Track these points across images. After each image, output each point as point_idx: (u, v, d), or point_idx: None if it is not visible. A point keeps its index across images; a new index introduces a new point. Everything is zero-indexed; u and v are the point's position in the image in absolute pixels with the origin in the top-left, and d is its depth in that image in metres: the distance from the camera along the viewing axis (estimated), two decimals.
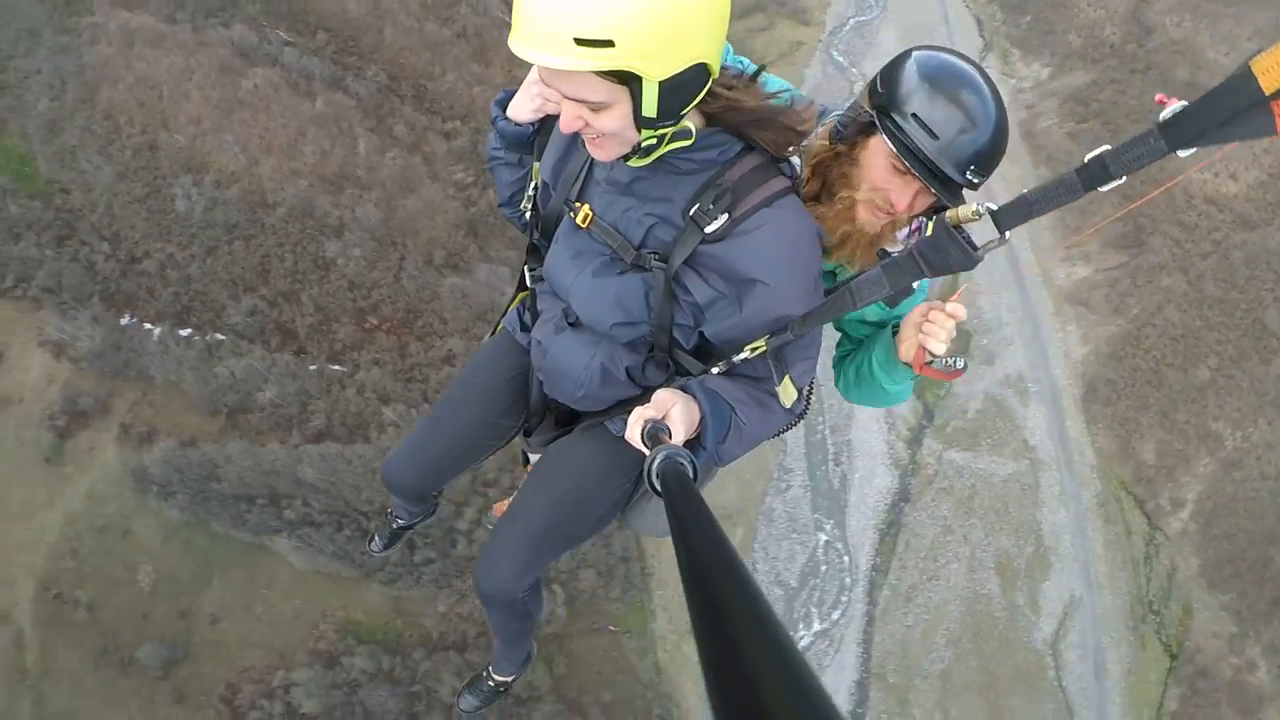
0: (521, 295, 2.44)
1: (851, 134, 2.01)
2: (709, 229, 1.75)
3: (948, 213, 1.52)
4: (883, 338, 2.11)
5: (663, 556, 25.97)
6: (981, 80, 1.88)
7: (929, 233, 2.19)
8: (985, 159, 1.87)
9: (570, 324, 2.08)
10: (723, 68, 1.68)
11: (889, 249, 2.10)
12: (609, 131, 1.61)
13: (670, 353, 1.98)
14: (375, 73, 31.27)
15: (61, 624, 22.76)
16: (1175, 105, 1.15)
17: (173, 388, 25.16)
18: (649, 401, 1.69)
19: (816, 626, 26.78)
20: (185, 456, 23.85)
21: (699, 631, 0.64)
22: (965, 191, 1.95)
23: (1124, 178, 1.25)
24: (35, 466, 24.00)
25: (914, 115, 1.85)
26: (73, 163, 27.37)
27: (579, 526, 2.32)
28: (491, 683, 3.09)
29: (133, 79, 28.17)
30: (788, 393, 1.91)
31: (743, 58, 2.17)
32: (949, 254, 1.51)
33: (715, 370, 1.91)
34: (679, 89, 1.55)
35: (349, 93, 29.89)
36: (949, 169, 1.86)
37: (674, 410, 1.64)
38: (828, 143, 2.06)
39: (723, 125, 1.75)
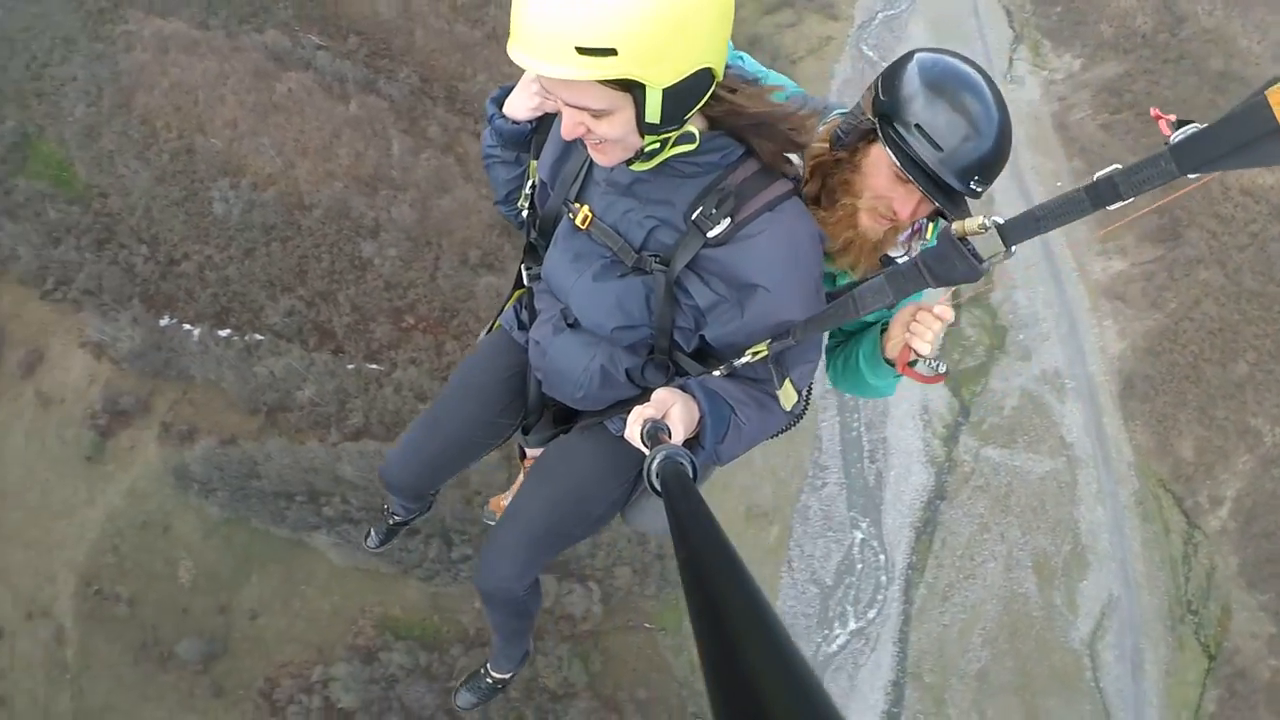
0: (518, 293, 2.42)
1: (853, 141, 1.98)
2: (711, 234, 1.73)
3: (954, 225, 1.50)
4: (871, 333, 2.13)
5: None
6: (984, 84, 1.85)
7: (928, 235, 2.18)
8: (989, 167, 1.85)
9: (569, 325, 2.06)
10: (725, 68, 1.64)
11: (891, 254, 2.11)
12: (611, 138, 1.59)
13: (670, 355, 1.96)
14: (407, 75, 31.49)
15: (102, 619, 23.18)
16: (1190, 128, 1.17)
17: (212, 387, 25.54)
18: (648, 401, 1.66)
19: (852, 625, 26.66)
20: (225, 454, 24.21)
21: (699, 631, 0.63)
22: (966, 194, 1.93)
23: (1132, 198, 1.26)
24: (77, 464, 24.47)
25: (917, 126, 1.82)
26: (110, 167, 27.84)
27: (578, 526, 2.32)
28: (490, 680, 3.06)
29: (168, 84, 28.60)
30: (788, 395, 1.89)
31: (742, 54, 2.15)
32: (954, 266, 1.49)
33: (716, 374, 1.89)
34: (683, 94, 1.52)
35: (382, 95, 30.17)
36: (952, 180, 1.84)
37: (673, 410, 1.62)
38: (829, 146, 2.04)
39: (725, 128, 1.73)
